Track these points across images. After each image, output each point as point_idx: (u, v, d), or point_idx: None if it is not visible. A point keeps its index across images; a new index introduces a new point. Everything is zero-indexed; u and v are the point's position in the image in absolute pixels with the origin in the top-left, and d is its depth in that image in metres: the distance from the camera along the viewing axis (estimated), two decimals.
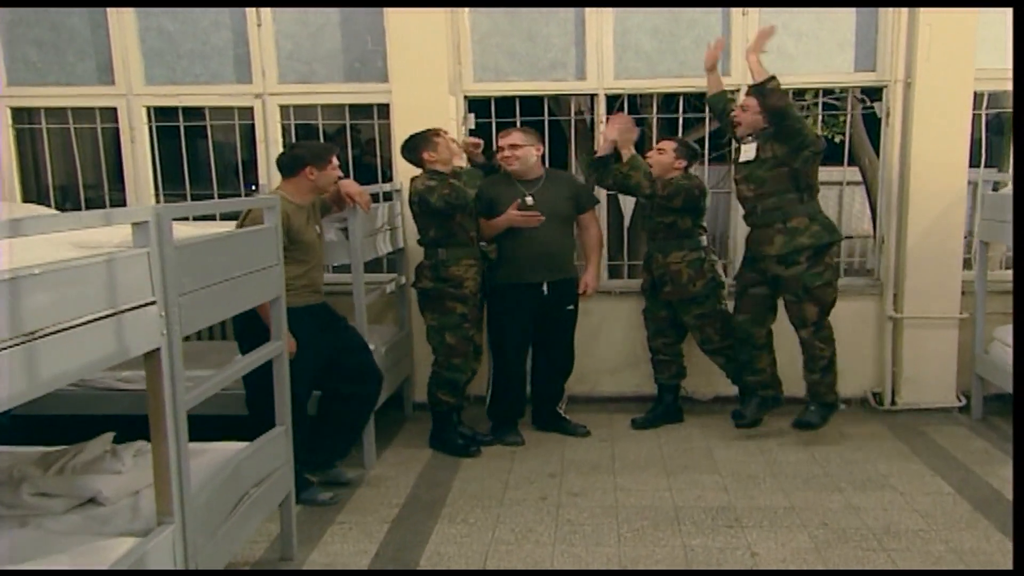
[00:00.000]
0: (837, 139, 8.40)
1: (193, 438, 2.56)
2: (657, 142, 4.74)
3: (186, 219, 4.28)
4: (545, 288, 4.47)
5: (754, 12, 4.97)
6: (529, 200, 4.42)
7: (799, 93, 7.86)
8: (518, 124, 5.06)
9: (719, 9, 5.03)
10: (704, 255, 4.63)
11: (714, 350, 4.70)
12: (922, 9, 4.74)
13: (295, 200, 3.71)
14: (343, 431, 4.05)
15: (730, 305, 4.69)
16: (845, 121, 8.37)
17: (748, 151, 4.34)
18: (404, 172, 4.56)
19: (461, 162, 4.32)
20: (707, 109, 4.97)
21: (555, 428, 4.77)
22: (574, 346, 4.72)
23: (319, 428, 3.98)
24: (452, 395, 4.40)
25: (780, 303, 4.48)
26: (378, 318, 5.20)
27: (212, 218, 4.69)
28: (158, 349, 2.34)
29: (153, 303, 2.31)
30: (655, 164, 4.59)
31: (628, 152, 4.47)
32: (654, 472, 4.18)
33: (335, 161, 3.79)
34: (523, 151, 4.43)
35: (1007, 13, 4.74)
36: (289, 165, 3.74)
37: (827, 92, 8.02)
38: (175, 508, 2.45)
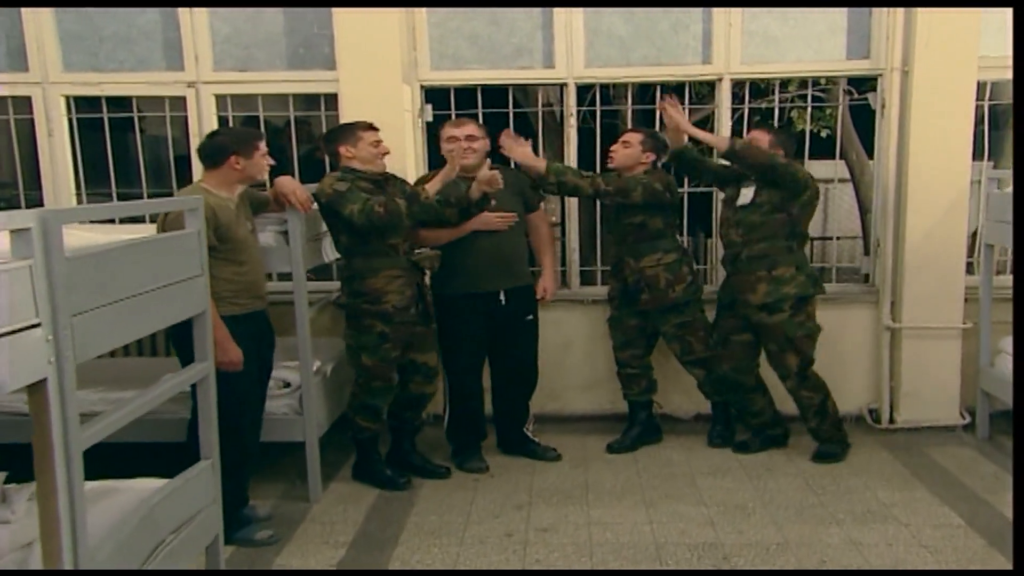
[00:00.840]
0: (824, 133, 8.30)
1: (117, 471, 2.25)
2: (617, 137, 4.55)
3: (112, 222, 4.07)
4: (502, 297, 4.27)
5: None
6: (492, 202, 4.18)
7: (782, 84, 7.85)
8: (480, 117, 4.87)
9: None
10: (682, 256, 4.47)
11: (695, 361, 4.54)
12: None
13: (221, 193, 3.46)
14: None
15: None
16: (832, 114, 8.38)
17: (746, 195, 4.26)
18: None
19: (382, 167, 4.02)
20: (686, 98, 4.82)
21: (522, 452, 4.55)
22: (538, 360, 4.51)
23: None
24: (373, 421, 4.13)
25: None
26: (326, 331, 4.93)
27: (142, 220, 4.42)
28: (44, 380, 2.04)
29: (37, 326, 2.02)
30: (619, 158, 4.43)
31: (537, 163, 4.30)
32: (632, 502, 3.96)
33: (262, 147, 3.55)
34: (480, 143, 4.22)
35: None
36: (212, 154, 3.49)
37: (813, 83, 7.98)
38: (67, 565, 2.16)
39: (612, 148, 4.46)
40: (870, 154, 8.36)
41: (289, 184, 3.79)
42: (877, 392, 4.97)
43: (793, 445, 4.58)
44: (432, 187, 3.92)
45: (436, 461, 4.40)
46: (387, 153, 4.02)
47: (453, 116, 4.83)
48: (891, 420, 4.91)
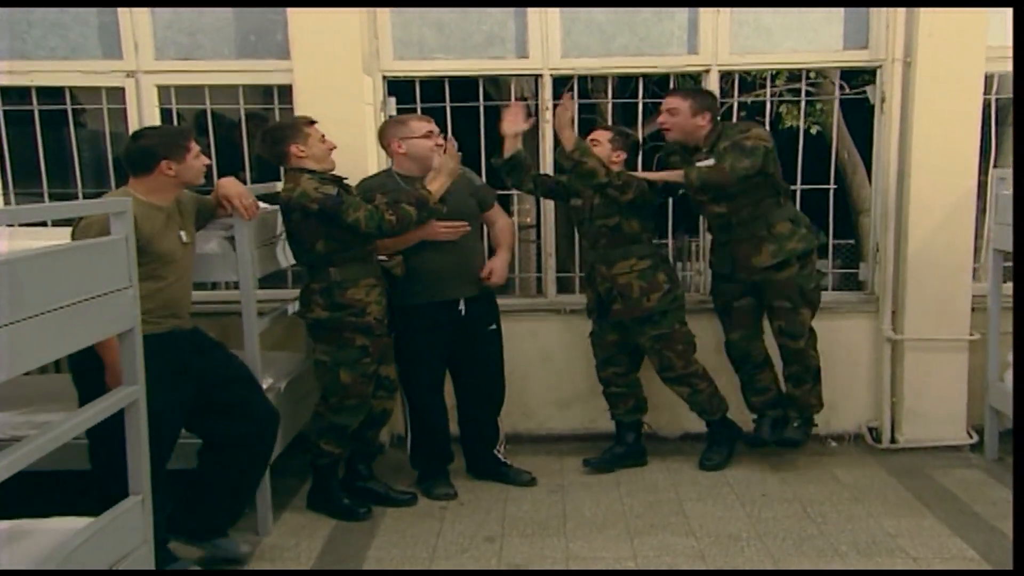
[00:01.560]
0: (814, 130, 8.26)
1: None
2: (589, 132, 4.36)
3: (44, 225, 3.87)
4: (462, 306, 4.11)
5: None
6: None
7: (772, 77, 7.73)
8: (448, 111, 4.75)
9: None
10: (658, 263, 4.32)
11: (676, 378, 4.37)
12: None
13: (152, 200, 3.24)
14: (229, 490, 3.56)
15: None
16: (824, 109, 8.28)
17: (702, 162, 4.09)
18: None
19: (333, 165, 3.83)
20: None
21: (494, 476, 4.36)
22: (503, 373, 4.35)
23: (200, 486, 3.49)
24: (338, 444, 3.95)
25: None
26: (280, 343, 4.73)
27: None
28: None
29: None
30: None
31: (570, 136, 4.10)
32: (614, 533, 3.76)
33: (194, 147, 3.32)
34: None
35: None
36: (139, 160, 3.25)
37: (799, 76, 7.87)
38: None
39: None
40: (861, 152, 8.43)
41: (232, 187, 3.57)
42: (877, 409, 4.82)
43: (788, 465, 4.44)
44: (436, 188, 3.76)
45: (399, 487, 4.21)
46: (334, 148, 3.83)
47: (419, 110, 4.66)
48: (893, 439, 4.77)
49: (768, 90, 5.12)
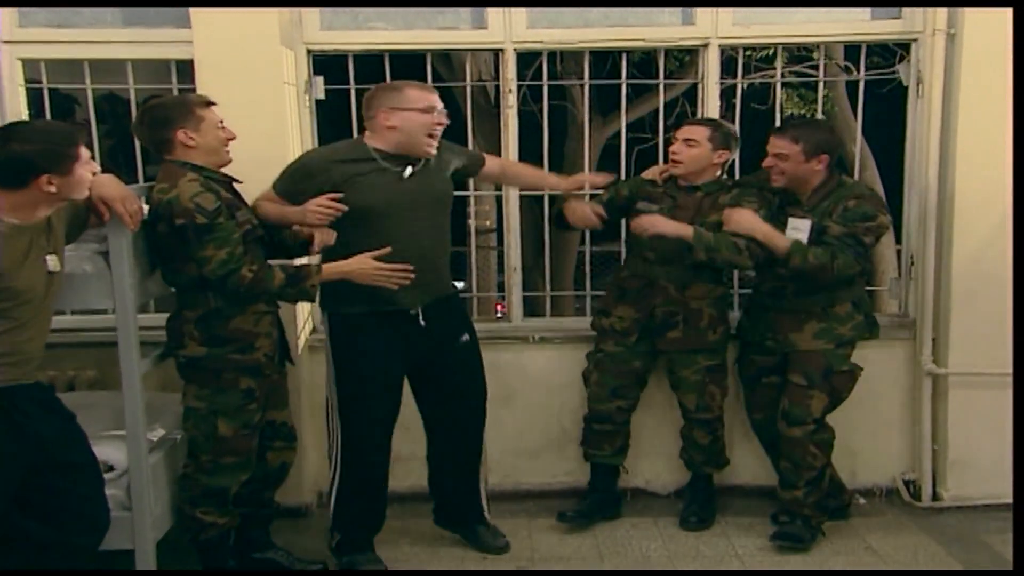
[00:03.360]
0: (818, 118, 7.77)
1: None
2: (677, 127, 4.10)
3: None
4: (420, 316, 3.69)
5: None
6: (408, 171, 3.60)
7: (768, 59, 7.40)
8: None
9: None
10: (727, 293, 4.27)
11: (706, 421, 4.19)
12: None
13: (12, 219, 2.74)
14: None
15: None
16: (830, 95, 7.96)
17: (799, 229, 3.85)
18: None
19: (228, 159, 3.44)
20: (660, 70, 4.49)
21: (463, 531, 4.04)
22: (486, 396, 3.97)
23: None
24: (221, 512, 3.55)
25: None
26: (174, 382, 4.12)
27: None
28: None
29: None
30: (685, 162, 4.00)
31: (682, 228, 3.86)
32: None
33: (84, 154, 2.82)
34: None
35: None
36: (7, 172, 2.72)
37: (800, 58, 7.54)
38: None
39: (672, 149, 4.03)
40: (871, 143, 8.19)
41: (110, 188, 3.08)
42: (915, 458, 4.52)
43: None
44: (329, 273, 3.43)
45: (307, 558, 3.87)
46: (233, 139, 3.45)
47: (352, 92, 4.36)
48: (935, 495, 4.45)
49: (779, 69, 4.79)
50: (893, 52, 5.26)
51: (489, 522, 4.05)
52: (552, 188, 4.24)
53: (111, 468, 3.39)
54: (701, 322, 4.06)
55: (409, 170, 3.57)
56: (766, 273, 4.01)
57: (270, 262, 3.35)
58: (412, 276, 3.42)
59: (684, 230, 3.82)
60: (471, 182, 4.30)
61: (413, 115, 3.54)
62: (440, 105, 3.61)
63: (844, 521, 4.18)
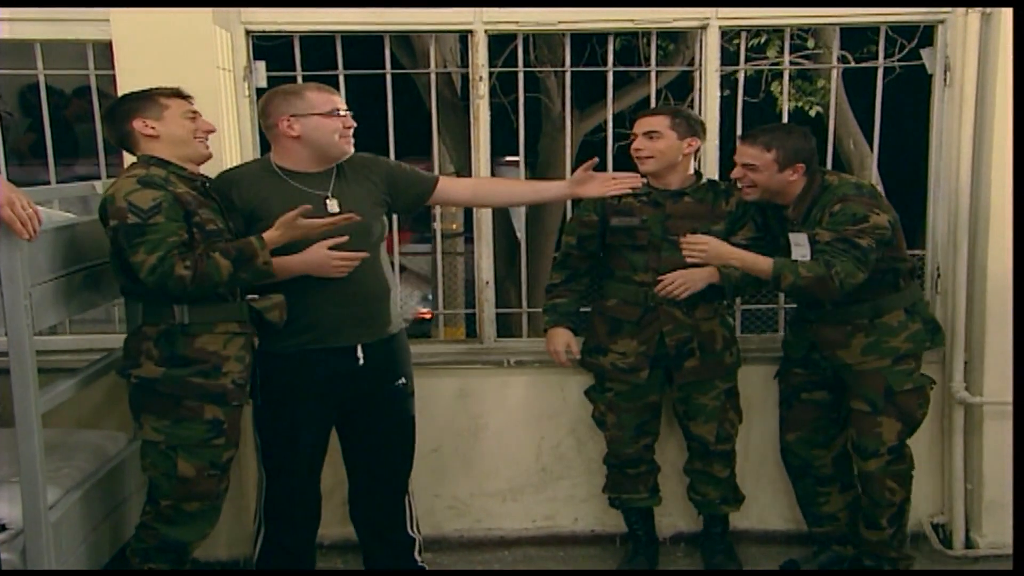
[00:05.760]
0: (814, 112, 7.90)
1: None
2: (637, 120, 3.89)
3: None
4: (360, 354, 3.53)
5: None
6: (333, 205, 3.45)
7: (760, 48, 7.18)
8: (342, 82, 4.18)
9: None
10: (732, 304, 4.18)
11: (724, 453, 4.04)
12: None
13: None
14: None
15: None
16: (827, 87, 7.76)
17: (801, 245, 3.67)
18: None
19: (204, 154, 3.32)
20: (650, 59, 4.33)
21: None
22: (414, 447, 3.81)
23: None
24: (173, 565, 3.41)
25: None
26: (91, 416, 4.08)
27: None
28: None
29: None
30: (655, 156, 3.78)
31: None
32: None
33: None
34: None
35: None
36: None
37: (794, 46, 7.32)
38: None
39: (635, 147, 3.84)
40: (869, 140, 8.09)
41: (3, 192, 2.84)
42: (946, 499, 4.32)
43: None
44: (273, 238, 3.21)
45: None
46: (212, 131, 3.35)
47: (299, 79, 4.09)
48: (968, 542, 4.21)
49: (787, 56, 4.55)
50: (893, 40, 5.05)
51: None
52: (556, 198, 3.99)
53: (3, 527, 3.13)
54: (716, 345, 3.90)
55: (336, 204, 3.46)
56: None
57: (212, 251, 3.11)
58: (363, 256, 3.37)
59: (712, 276, 3.70)
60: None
61: (316, 120, 3.42)
62: (344, 106, 3.50)
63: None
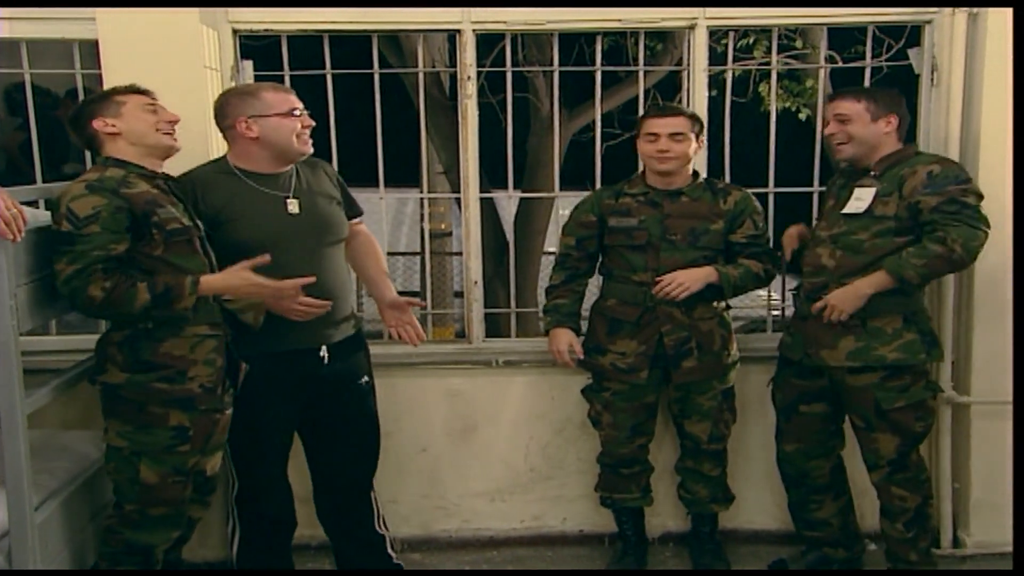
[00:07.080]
0: (803, 115, 7.92)
1: None
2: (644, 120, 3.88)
3: None
4: (324, 354, 3.57)
5: None
6: (294, 206, 3.48)
7: (747, 49, 7.22)
8: (329, 79, 4.21)
9: None
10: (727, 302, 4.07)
11: (717, 452, 4.06)
12: None
13: None
14: None
15: None
16: (815, 87, 7.78)
17: (861, 198, 3.60)
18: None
19: (170, 147, 3.29)
20: (638, 58, 4.34)
21: None
22: (379, 444, 3.85)
23: None
24: (141, 566, 3.37)
25: None
26: (79, 417, 4.02)
27: None
28: None
29: None
30: (680, 157, 3.78)
31: (712, 277, 3.79)
32: None
33: None
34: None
35: None
36: None
37: (781, 46, 7.40)
38: None
39: (661, 147, 3.77)
40: None
41: None
42: (934, 500, 4.16)
43: None
44: (211, 287, 3.17)
45: None
46: (175, 121, 3.28)
47: (287, 79, 4.11)
48: (956, 542, 4.22)
49: (774, 56, 4.52)
50: (880, 40, 5.10)
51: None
52: (376, 297, 3.90)
53: None
54: (714, 345, 3.89)
55: (296, 205, 3.47)
56: (806, 272, 3.83)
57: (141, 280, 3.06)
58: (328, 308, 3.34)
59: (711, 276, 3.74)
60: (425, 180, 4.18)
61: (275, 121, 3.41)
62: (300, 105, 3.49)
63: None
